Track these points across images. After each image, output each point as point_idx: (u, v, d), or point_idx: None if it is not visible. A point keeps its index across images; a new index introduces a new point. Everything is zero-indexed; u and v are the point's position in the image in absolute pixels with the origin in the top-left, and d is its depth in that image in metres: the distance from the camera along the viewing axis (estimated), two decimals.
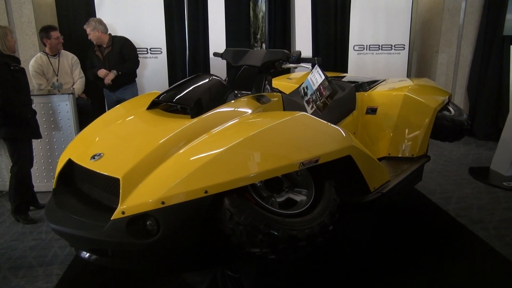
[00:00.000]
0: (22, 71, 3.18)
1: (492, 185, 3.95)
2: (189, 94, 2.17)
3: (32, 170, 3.40)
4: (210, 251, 1.81)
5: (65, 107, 3.81)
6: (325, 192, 1.91)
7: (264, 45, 5.65)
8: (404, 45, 5.63)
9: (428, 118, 2.93)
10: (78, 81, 4.47)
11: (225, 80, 2.53)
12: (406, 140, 2.94)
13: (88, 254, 1.85)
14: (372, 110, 3.06)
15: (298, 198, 1.90)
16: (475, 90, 5.80)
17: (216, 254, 1.85)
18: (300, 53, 2.44)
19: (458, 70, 5.80)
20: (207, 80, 2.32)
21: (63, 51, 4.42)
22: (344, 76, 3.79)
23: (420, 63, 6.25)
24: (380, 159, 2.95)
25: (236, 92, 2.40)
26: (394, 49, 5.65)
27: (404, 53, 5.67)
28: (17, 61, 3.19)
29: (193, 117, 2.02)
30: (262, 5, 5.48)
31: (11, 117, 3.07)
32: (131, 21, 5.13)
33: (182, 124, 1.96)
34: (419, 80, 3.50)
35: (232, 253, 1.83)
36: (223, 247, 1.77)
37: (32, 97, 3.32)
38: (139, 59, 4.70)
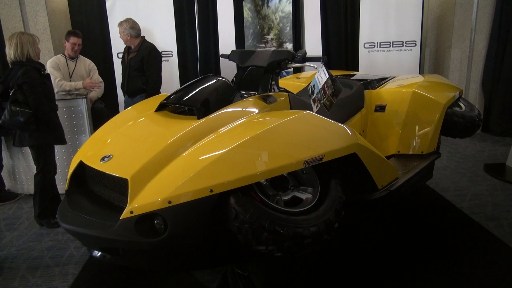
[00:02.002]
0: (48, 77, 3.25)
1: (508, 182, 3.88)
2: (196, 96, 2.21)
3: None
4: (217, 249, 1.84)
5: (79, 110, 3.91)
6: (330, 190, 1.92)
7: (288, 45, 5.66)
8: (415, 41, 5.56)
9: (437, 115, 2.90)
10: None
11: (232, 81, 2.56)
12: (415, 137, 2.92)
13: (99, 253, 1.89)
14: (381, 108, 3.05)
15: (304, 196, 1.91)
16: (490, 85, 5.69)
17: (223, 252, 1.87)
18: (305, 52, 2.46)
19: (472, 66, 5.71)
20: (214, 81, 2.35)
21: (81, 57, 4.53)
22: (354, 74, 3.78)
23: (433, 59, 6.17)
24: (389, 157, 2.94)
25: (242, 92, 2.42)
26: (406, 46, 5.58)
27: (416, 50, 5.60)
28: (44, 67, 3.24)
29: (199, 117, 2.05)
30: (285, 6, 5.50)
31: (42, 123, 3.10)
32: (142, 26, 5.19)
33: (189, 125, 1.99)
34: (429, 77, 3.47)
35: (239, 251, 1.85)
36: (229, 245, 1.80)
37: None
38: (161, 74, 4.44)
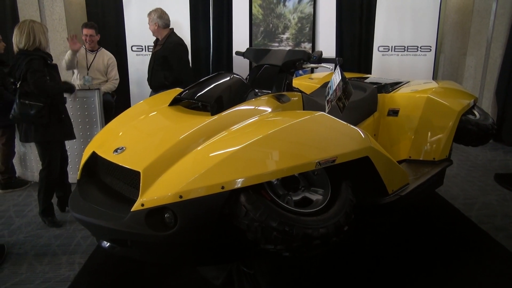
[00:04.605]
0: (55, 67, 3.17)
1: None
2: (210, 92, 2.21)
3: None
4: (226, 246, 1.84)
5: (91, 102, 3.93)
6: (341, 193, 1.90)
7: (306, 45, 5.67)
8: (430, 46, 5.52)
9: (451, 122, 2.87)
10: (111, 82, 4.57)
11: (246, 78, 2.56)
12: (427, 143, 2.89)
13: (108, 244, 1.91)
14: (394, 112, 3.03)
15: (314, 197, 1.90)
16: (504, 94, 5.61)
17: (232, 249, 1.87)
18: (321, 53, 2.44)
19: (486, 74, 5.64)
20: (228, 78, 2.35)
21: (103, 50, 4.54)
22: (368, 77, 3.76)
23: (447, 66, 6.11)
24: (400, 162, 2.92)
25: (256, 91, 2.42)
26: (420, 51, 5.54)
27: (431, 55, 5.55)
28: (51, 57, 3.14)
29: (213, 114, 2.05)
30: (305, 7, 5.51)
31: (55, 116, 3.01)
32: None
33: (202, 120, 2.00)
34: (444, 83, 3.43)
35: (247, 249, 1.85)
36: (238, 242, 1.80)
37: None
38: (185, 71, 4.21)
